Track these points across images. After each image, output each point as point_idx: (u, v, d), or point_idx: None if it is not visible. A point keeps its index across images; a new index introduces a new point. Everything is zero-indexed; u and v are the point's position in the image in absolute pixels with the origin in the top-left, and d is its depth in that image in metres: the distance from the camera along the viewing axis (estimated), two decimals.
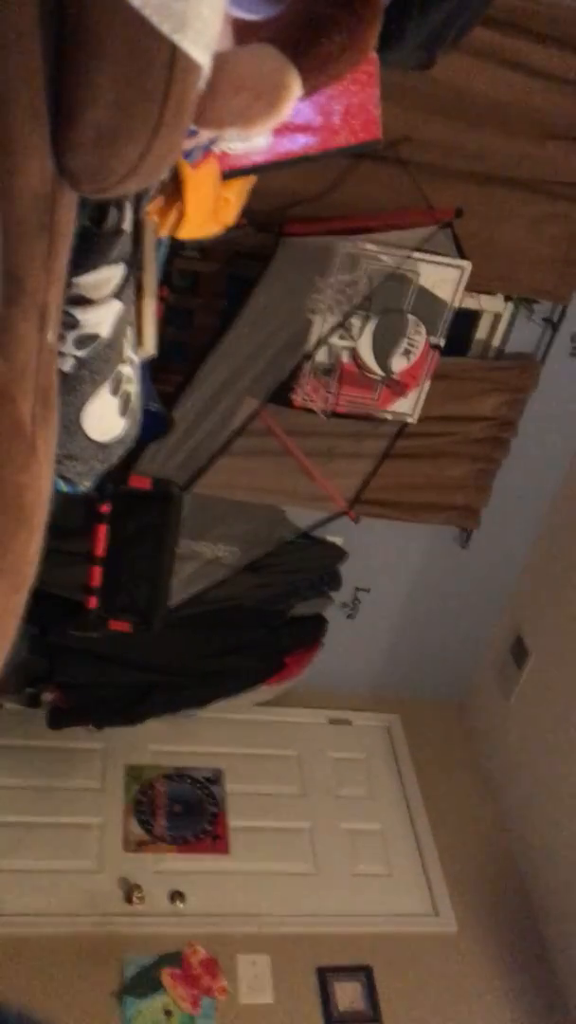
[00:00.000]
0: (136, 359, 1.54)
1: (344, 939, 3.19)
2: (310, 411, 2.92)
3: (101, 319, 1.31)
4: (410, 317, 2.78)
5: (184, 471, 2.73)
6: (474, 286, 2.83)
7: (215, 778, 3.59)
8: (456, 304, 2.77)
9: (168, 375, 2.78)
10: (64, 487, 1.54)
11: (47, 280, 1.05)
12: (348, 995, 3.03)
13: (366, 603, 3.86)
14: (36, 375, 1.09)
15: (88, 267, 1.24)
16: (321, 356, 2.81)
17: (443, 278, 2.74)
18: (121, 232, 1.26)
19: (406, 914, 3.36)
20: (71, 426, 1.39)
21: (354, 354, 2.82)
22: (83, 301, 1.27)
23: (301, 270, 2.69)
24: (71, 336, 1.30)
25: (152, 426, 2.19)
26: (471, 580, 3.88)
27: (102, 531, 2.73)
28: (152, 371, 2.19)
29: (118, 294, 1.32)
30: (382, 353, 2.82)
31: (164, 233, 1.70)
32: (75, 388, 1.36)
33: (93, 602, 2.88)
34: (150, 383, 2.22)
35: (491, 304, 3.16)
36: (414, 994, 3.08)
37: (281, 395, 2.82)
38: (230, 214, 1.88)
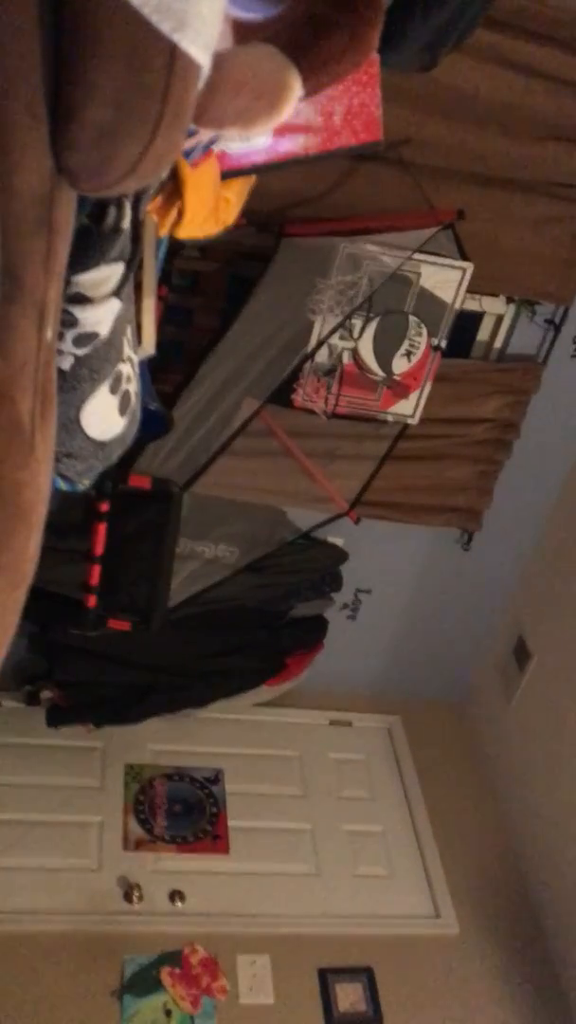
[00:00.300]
0: (135, 358, 1.54)
1: (345, 940, 3.19)
2: (311, 412, 2.92)
3: (100, 318, 1.31)
4: (411, 318, 2.78)
5: (184, 471, 2.73)
6: (476, 287, 2.84)
7: (215, 778, 3.59)
8: (458, 305, 2.78)
9: (168, 375, 2.78)
10: (63, 485, 1.54)
11: (46, 278, 1.06)
12: (349, 996, 3.03)
13: (367, 604, 3.85)
14: (35, 373, 1.10)
15: (87, 265, 1.24)
16: (322, 356, 2.81)
17: (445, 279, 2.74)
18: (120, 231, 1.26)
19: (407, 915, 3.35)
20: (70, 424, 1.39)
21: (355, 355, 2.82)
22: (82, 299, 1.28)
23: (302, 270, 2.69)
24: (70, 334, 1.30)
25: (152, 425, 2.19)
26: (473, 582, 3.87)
27: (101, 530, 2.73)
28: (152, 371, 2.19)
29: (117, 293, 1.32)
30: (383, 354, 2.82)
31: (164, 232, 1.70)
32: (74, 386, 1.36)
33: (92, 601, 2.88)
34: (150, 382, 2.22)
35: (493, 306, 3.16)
36: (416, 995, 3.08)
37: (281, 395, 2.82)
38: (230, 214, 1.88)
